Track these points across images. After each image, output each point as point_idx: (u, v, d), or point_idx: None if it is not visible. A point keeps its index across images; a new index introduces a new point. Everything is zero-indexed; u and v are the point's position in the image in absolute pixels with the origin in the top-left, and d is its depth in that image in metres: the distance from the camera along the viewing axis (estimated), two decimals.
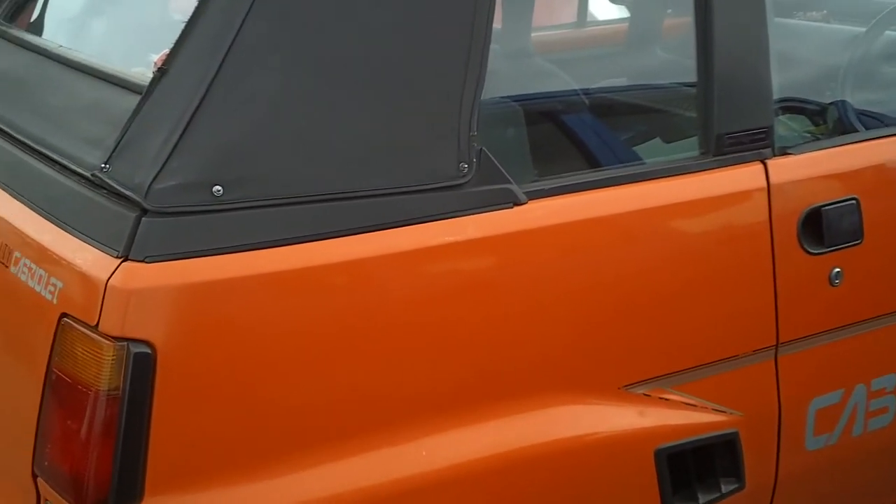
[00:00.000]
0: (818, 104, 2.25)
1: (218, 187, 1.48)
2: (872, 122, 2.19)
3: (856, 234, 1.95)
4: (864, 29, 2.62)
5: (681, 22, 2.58)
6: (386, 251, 1.58)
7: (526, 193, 1.67)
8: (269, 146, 1.52)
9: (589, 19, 3.39)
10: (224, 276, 1.48)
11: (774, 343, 1.90)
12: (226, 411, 1.50)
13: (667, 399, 1.81)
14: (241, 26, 1.48)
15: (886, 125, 2.18)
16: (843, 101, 2.21)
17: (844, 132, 2.15)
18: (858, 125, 2.16)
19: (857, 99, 2.28)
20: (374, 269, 1.58)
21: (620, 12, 3.33)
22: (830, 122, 2.20)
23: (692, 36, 1.87)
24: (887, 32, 2.65)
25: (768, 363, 1.91)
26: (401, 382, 1.61)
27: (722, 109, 1.85)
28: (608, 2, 3.32)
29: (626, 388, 1.77)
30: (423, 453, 1.61)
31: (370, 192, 1.57)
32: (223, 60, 1.48)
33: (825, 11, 3.06)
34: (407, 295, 1.60)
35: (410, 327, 1.60)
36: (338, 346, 1.56)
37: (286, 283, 1.52)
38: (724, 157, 1.86)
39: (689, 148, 1.92)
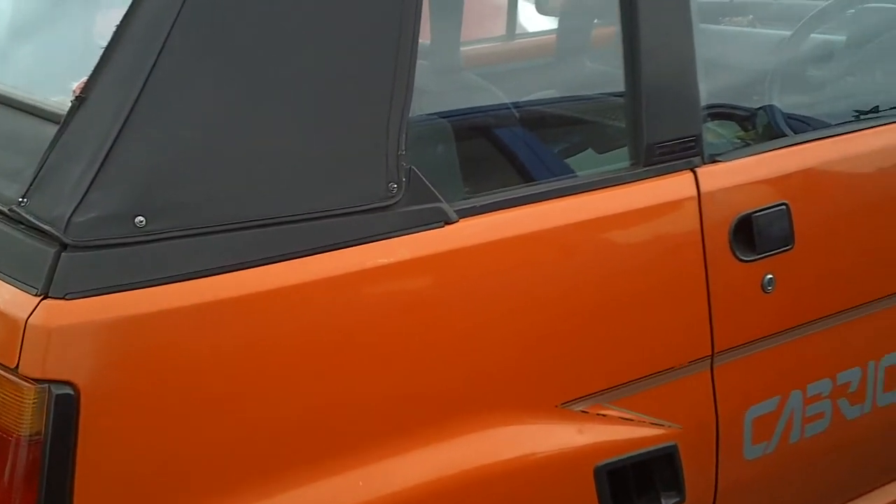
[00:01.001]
0: (746, 109, 2.25)
1: (140, 218, 1.43)
2: (800, 126, 2.19)
3: (786, 240, 1.95)
4: (789, 33, 2.64)
5: (611, 31, 2.57)
6: (316, 276, 1.54)
7: (457, 211, 1.65)
8: (192, 174, 1.48)
9: (519, 31, 3.38)
10: (148, 310, 1.43)
11: (710, 353, 1.90)
12: (156, 450, 1.46)
13: (605, 415, 1.79)
14: (160, 51, 1.44)
15: (814, 128, 2.18)
16: (771, 106, 2.22)
17: (773, 137, 2.15)
18: (787, 129, 2.16)
19: (785, 103, 2.28)
20: (305, 296, 1.54)
21: (550, 23, 3.32)
22: (759, 127, 2.20)
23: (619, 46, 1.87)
24: (813, 36, 2.67)
25: (704, 374, 1.90)
26: (334, 411, 1.57)
27: (651, 119, 1.84)
28: (537, 13, 3.31)
29: (564, 406, 1.75)
30: (360, 483, 1.57)
31: (298, 217, 1.53)
32: (143, 87, 1.44)
33: (751, 16, 3.08)
34: (339, 321, 1.56)
35: (342, 354, 1.57)
36: (267, 376, 1.52)
37: (213, 314, 1.48)
38: (655, 166, 1.85)
39: (619, 159, 1.90)
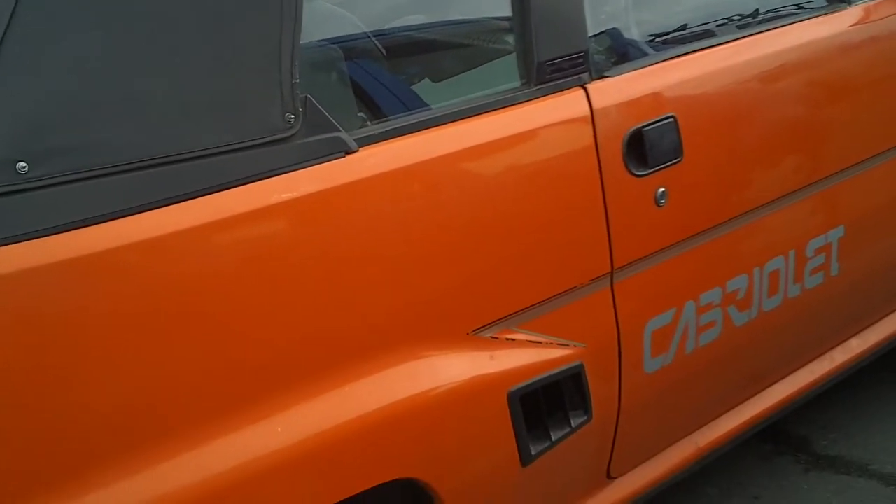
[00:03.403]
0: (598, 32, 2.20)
1: (23, 163, 1.32)
2: (655, 45, 2.17)
3: (676, 152, 1.94)
4: None
5: None
6: (216, 216, 1.45)
7: (356, 140, 1.58)
8: (76, 112, 1.37)
9: None
10: (35, 264, 1.32)
11: (609, 270, 1.89)
12: (35, 417, 1.35)
13: (514, 339, 1.77)
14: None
15: (666, 47, 2.16)
16: (616, 29, 2.18)
17: (621, 59, 2.10)
18: (638, 50, 2.13)
19: (642, 18, 2.26)
20: (207, 237, 1.45)
21: None
22: (605, 48, 2.17)
23: None
24: None
25: (605, 291, 1.90)
26: (241, 356, 1.49)
27: (541, 36, 1.80)
28: None
29: (475, 333, 1.72)
30: (279, 430, 1.51)
31: (193, 154, 1.44)
32: (10, 19, 1.32)
33: None
34: (243, 262, 1.48)
35: (247, 296, 1.49)
36: (171, 326, 1.43)
37: (109, 264, 1.38)
38: (546, 84, 1.81)
39: (509, 78, 1.86)
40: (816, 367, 2.51)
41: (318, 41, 1.81)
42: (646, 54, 2.07)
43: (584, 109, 1.84)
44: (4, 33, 1.31)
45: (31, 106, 1.34)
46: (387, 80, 1.91)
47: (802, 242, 2.25)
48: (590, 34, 1.92)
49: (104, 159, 1.38)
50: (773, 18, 2.27)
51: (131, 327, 1.40)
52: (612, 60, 2.01)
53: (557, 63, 1.82)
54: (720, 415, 2.28)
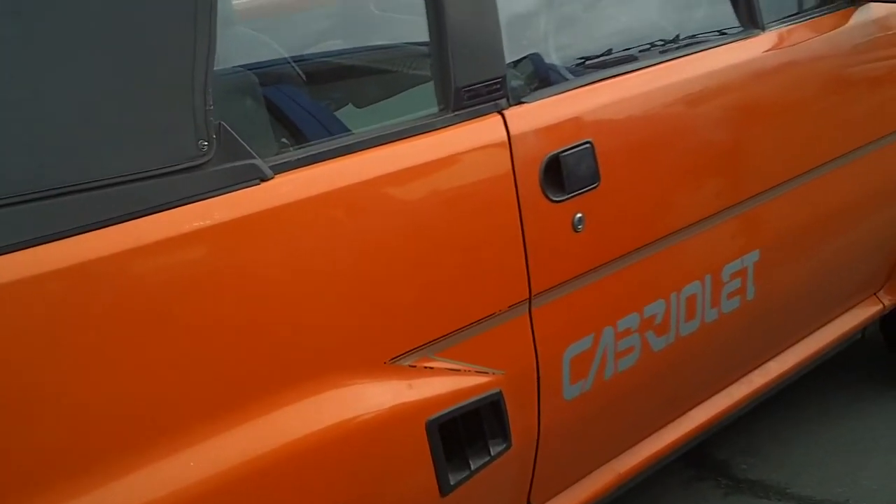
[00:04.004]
0: (518, 58, 2.21)
1: None
2: (575, 70, 2.18)
3: (593, 178, 1.94)
4: None
5: None
6: (124, 246, 1.41)
7: (271, 167, 1.56)
8: None
9: None
10: None
11: (527, 296, 1.88)
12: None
13: (432, 367, 1.75)
14: None
15: (590, 70, 2.17)
16: (537, 55, 2.18)
17: (541, 84, 2.11)
18: (558, 75, 2.13)
19: (559, 44, 2.26)
20: (113, 268, 1.41)
21: None
22: (526, 74, 2.17)
23: None
24: None
25: (523, 318, 1.89)
26: (150, 394, 1.45)
27: (458, 62, 1.79)
28: None
29: (392, 362, 1.70)
30: (191, 464, 1.47)
31: (102, 183, 1.40)
32: None
33: None
34: (151, 294, 1.44)
35: (160, 326, 1.45)
36: (75, 359, 1.38)
37: (15, 295, 1.33)
38: (464, 110, 1.80)
39: (424, 105, 1.84)
40: (735, 390, 2.52)
41: (235, 67, 1.79)
42: (566, 79, 2.08)
43: (501, 135, 1.83)
44: None
45: None
46: (306, 106, 1.90)
47: (718, 267, 2.27)
48: (509, 60, 1.92)
49: (10, 188, 1.33)
50: (690, 45, 2.29)
51: (34, 359, 1.36)
52: (532, 86, 2.01)
53: (475, 89, 1.81)
54: (640, 440, 2.28)
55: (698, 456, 2.90)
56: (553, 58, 2.17)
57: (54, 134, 1.38)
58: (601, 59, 2.20)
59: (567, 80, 2.07)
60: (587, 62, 2.17)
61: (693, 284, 2.21)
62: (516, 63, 2.08)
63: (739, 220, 2.31)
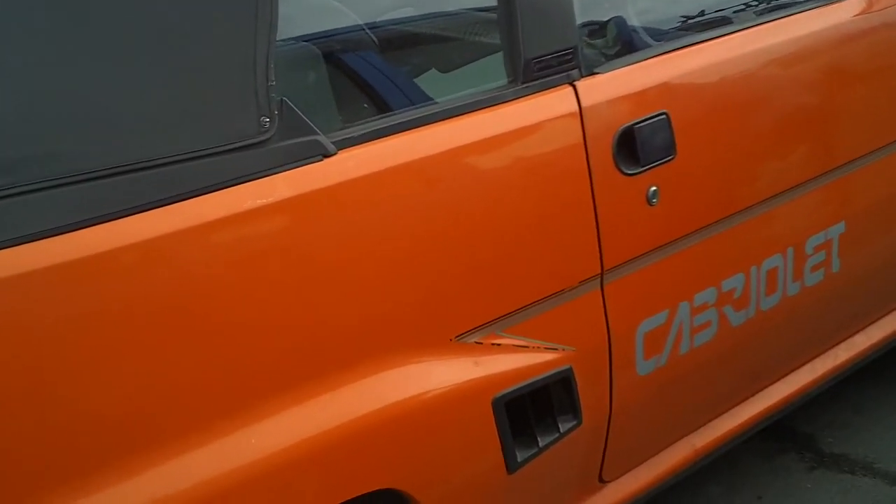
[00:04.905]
0: (597, 22, 2.16)
1: None
2: (656, 34, 2.13)
3: (668, 150, 1.90)
4: None
5: None
6: (187, 224, 1.41)
7: (334, 143, 1.54)
8: (43, 121, 1.33)
9: None
10: (4, 275, 1.29)
11: (599, 272, 1.85)
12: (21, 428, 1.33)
13: (499, 344, 1.73)
14: None
15: (671, 36, 2.11)
16: (621, 17, 2.13)
17: (625, 49, 2.07)
18: (641, 40, 2.09)
19: (640, 8, 2.21)
20: (179, 246, 1.41)
21: None
22: (610, 38, 2.13)
23: None
24: None
25: (595, 293, 1.86)
26: (218, 368, 1.46)
27: (528, 33, 1.75)
28: None
29: (458, 339, 1.68)
30: (252, 441, 1.47)
31: (163, 161, 1.40)
32: None
33: None
34: (218, 270, 1.44)
35: (225, 305, 1.45)
36: (144, 336, 1.39)
37: (77, 275, 1.34)
38: (534, 82, 1.77)
39: (496, 75, 1.81)
40: (819, 365, 2.46)
41: (303, 36, 1.78)
42: (647, 45, 2.02)
43: (571, 107, 1.79)
44: None
45: None
46: (372, 77, 1.88)
47: (801, 239, 2.20)
48: (589, 22, 1.86)
49: (73, 167, 1.34)
50: (774, 9, 2.22)
51: (106, 336, 1.37)
52: (614, 50, 1.97)
53: (545, 60, 1.78)
54: (718, 416, 2.24)
55: (782, 429, 2.84)
56: (635, 21, 2.12)
57: (116, 114, 1.38)
58: (682, 24, 2.14)
59: (648, 45, 2.02)
60: (668, 28, 2.12)
61: (774, 258, 2.15)
62: (599, 26, 2.04)
63: (824, 190, 2.24)
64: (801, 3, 2.25)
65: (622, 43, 2.02)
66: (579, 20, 1.88)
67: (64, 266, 1.33)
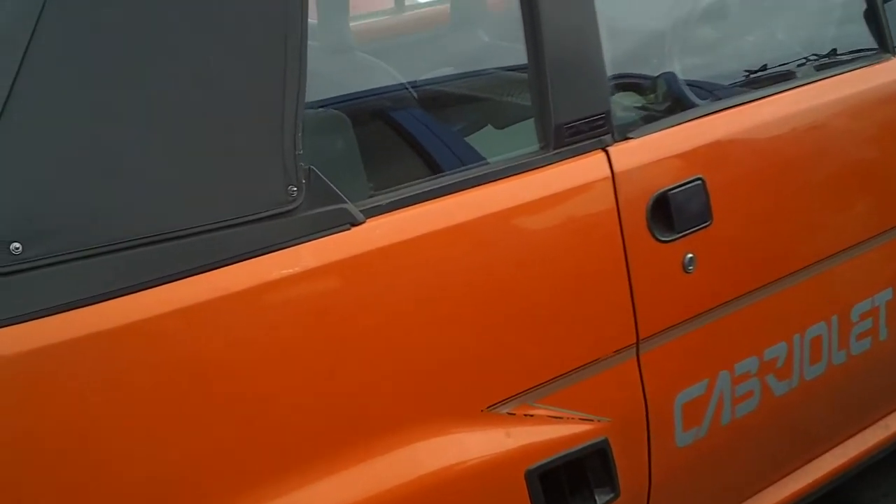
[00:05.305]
0: (647, 77, 2.16)
1: (16, 244, 1.29)
2: (702, 92, 2.12)
3: (704, 216, 1.87)
4: None
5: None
6: (214, 294, 1.41)
7: (363, 211, 1.53)
8: (72, 191, 1.34)
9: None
10: (34, 346, 1.30)
11: (635, 341, 1.81)
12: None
13: (532, 415, 1.69)
14: (21, 63, 1.29)
15: (717, 94, 2.10)
16: (672, 73, 2.12)
17: (676, 105, 2.06)
18: (691, 96, 2.07)
19: (685, 65, 2.20)
20: (205, 315, 1.41)
21: None
22: (660, 94, 2.12)
23: (519, 21, 1.76)
24: None
25: (630, 362, 1.82)
26: (242, 439, 1.44)
27: (558, 99, 1.74)
28: None
29: (490, 410, 1.65)
30: None
31: (192, 231, 1.40)
32: (6, 100, 1.29)
33: None
34: (245, 339, 1.43)
35: (246, 377, 1.44)
36: (172, 405, 1.39)
37: (109, 343, 1.34)
38: (565, 148, 1.75)
39: (526, 138, 1.80)
40: (869, 435, 2.39)
41: (324, 100, 1.78)
42: (694, 104, 2.01)
43: (604, 173, 1.77)
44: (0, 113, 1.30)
45: (25, 186, 1.32)
46: (404, 141, 1.88)
47: (846, 307, 2.15)
48: (639, 77, 1.84)
49: (101, 238, 1.35)
50: (815, 71, 2.20)
51: (130, 406, 1.36)
52: (664, 107, 1.94)
53: (576, 126, 1.76)
54: (763, 488, 2.17)
55: (837, 497, 2.76)
56: (679, 78, 2.11)
57: (143, 184, 1.38)
58: (725, 85, 2.13)
59: (695, 105, 2.00)
60: (712, 88, 2.10)
61: (818, 325, 2.10)
62: (649, 82, 2.03)
63: (870, 256, 2.19)
64: (842, 63, 2.23)
65: (671, 100, 2.01)
66: (629, 73, 1.86)
67: (92, 337, 1.34)
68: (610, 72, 1.83)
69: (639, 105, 2.11)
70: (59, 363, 1.32)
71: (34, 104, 1.31)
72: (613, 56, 1.94)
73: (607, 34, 1.85)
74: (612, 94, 1.88)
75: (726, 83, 2.18)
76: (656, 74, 2.11)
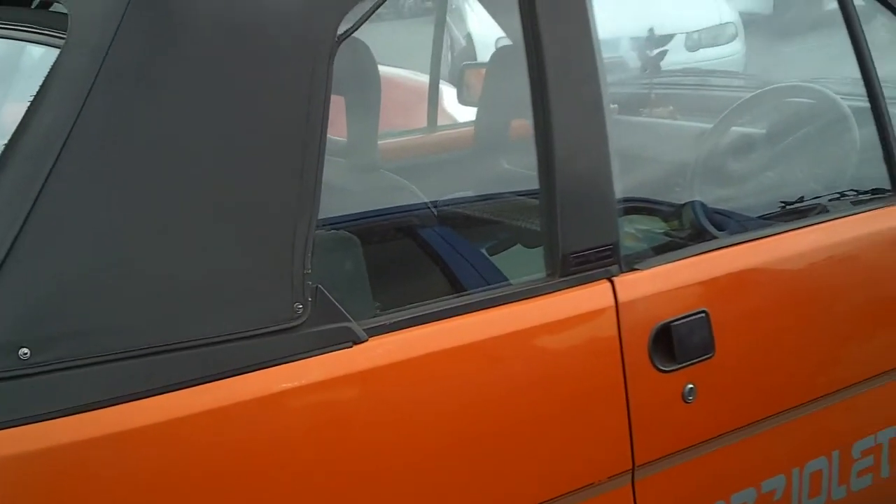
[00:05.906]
0: (670, 205, 2.21)
1: (25, 350, 1.36)
2: (722, 221, 2.17)
3: (706, 348, 1.90)
4: (710, 125, 2.62)
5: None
6: (219, 404, 1.47)
7: (366, 330, 1.59)
8: (82, 299, 1.41)
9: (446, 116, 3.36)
10: (33, 448, 1.36)
11: (630, 467, 1.84)
12: None
13: None
14: (47, 178, 1.38)
15: (736, 224, 2.15)
16: (694, 203, 2.18)
17: (696, 232, 2.11)
18: (710, 228, 2.13)
19: (707, 196, 2.26)
20: (208, 425, 1.47)
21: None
22: (686, 222, 2.17)
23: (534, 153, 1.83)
24: (733, 128, 2.66)
25: (625, 489, 1.85)
26: None
27: (566, 229, 1.80)
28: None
29: None
30: None
31: (198, 342, 1.46)
32: (27, 215, 1.38)
33: (671, 108, 3.07)
34: (242, 450, 1.49)
35: (245, 487, 1.49)
36: None
37: (106, 449, 1.40)
38: (571, 277, 1.80)
39: (534, 263, 1.86)
40: None
41: (334, 221, 1.85)
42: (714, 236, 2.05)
43: (608, 302, 1.81)
44: (22, 226, 1.37)
45: (35, 292, 1.39)
46: (411, 262, 1.94)
47: (847, 443, 2.17)
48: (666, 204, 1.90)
49: (107, 346, 1.41)
50: (826, 210, 2.24)
51: None
52: (686, 234, 1.99)
53: (583, 255, 1.82)
54: None
55: None
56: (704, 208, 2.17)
57: (151, 294, 1.45)
58: (737, 219, 2.18)
59: (712, 237, 2.05)
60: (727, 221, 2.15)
61: (818, 460, 2.12)
62: (675, 209, 2.08)
63: (874, 394, 2.21)
64: (856, 204, 2.27)
65: (693, 229, 2.06)
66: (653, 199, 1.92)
67: (94, 441, 1.39)
68: (628, 194, 1.88)
69: (661, 231, 2.18)
70: (60, 464, 1.37)
71: (54, 220, 1.39)
72: (635, 181, 2.01)
73: (629, 160, 1.91)
74: (634, 215, 1.93)
75: (742, 213, 2.23)
76: (681, 203, 2.16)
